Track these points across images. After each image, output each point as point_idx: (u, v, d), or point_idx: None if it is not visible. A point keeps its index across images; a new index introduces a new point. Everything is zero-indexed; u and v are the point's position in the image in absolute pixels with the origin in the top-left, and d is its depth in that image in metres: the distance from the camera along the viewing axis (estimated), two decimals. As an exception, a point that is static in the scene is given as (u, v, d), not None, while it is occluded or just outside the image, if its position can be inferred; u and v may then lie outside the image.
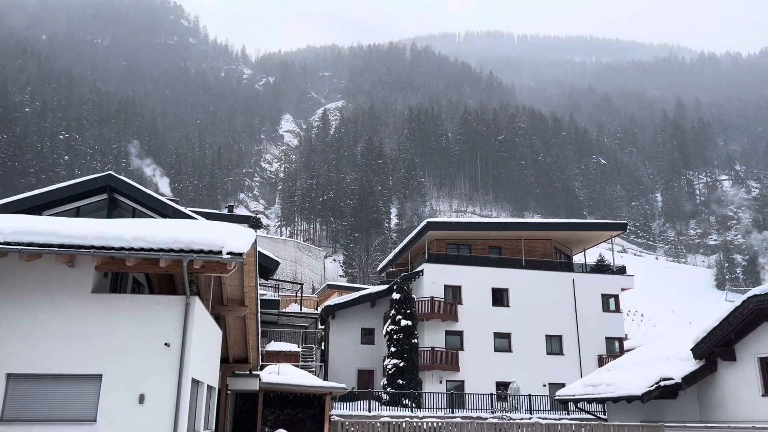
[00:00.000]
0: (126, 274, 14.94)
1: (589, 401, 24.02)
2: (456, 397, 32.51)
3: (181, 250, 11.39)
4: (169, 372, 11.56)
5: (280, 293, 44.66)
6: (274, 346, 30.86)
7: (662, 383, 20.35)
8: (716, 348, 20.15)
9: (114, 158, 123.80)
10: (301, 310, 38.01)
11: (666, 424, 18.63)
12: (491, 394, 32.34)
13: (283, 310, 37.50)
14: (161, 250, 11.34)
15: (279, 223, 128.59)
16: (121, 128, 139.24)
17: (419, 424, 17.22)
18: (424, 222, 41.00)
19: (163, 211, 21.28)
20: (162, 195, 26.88)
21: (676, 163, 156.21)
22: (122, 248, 11.17)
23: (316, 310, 42.19)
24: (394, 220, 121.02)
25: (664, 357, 22.26)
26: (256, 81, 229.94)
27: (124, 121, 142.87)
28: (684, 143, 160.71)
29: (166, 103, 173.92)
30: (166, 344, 11.66)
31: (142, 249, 11.27)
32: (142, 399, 11.35)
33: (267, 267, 23.90)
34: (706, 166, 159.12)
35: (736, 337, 19.85)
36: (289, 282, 51.27)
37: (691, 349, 20.83)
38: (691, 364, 20.78)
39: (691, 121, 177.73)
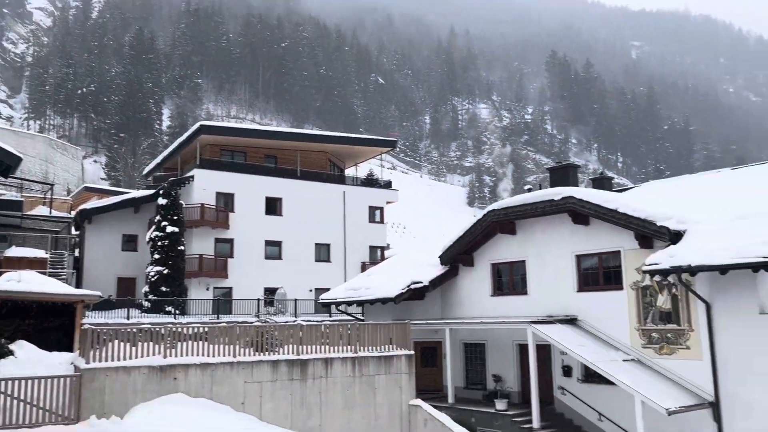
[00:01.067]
0: None
1: (350, 304, 25.78)
2: (223, 303, 32.59)
3: None
4: None
5: (24, 194, 39.60)
6: (15, 251, 27.49)
7: (412, 286, 22.57)
8: (459, 255, 22.78)
9: None
10: (50, 213, 34.20)
11: (412, 322, 20.81)
12: (258, 300, 32.99)
13: (29, 213, 33.41)
14: None
15: (26, 115, 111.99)
16: None
17: (181, 329, 16.86)
18: (197, 125, 39.02)
19: None
20: None
21: (444, 88, 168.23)
22: None
23: (70, 213, 38.35)
24: (166, 122, 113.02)
25: (417, 263, 24.61)
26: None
27: None
28: (453, 70, 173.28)
29: None
30: None
31: None
32: None
33: (6, 163, 20.79)
34: (470, 94, 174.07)
35: (475, 246, 22.59)
36: (36, 182, 45.46)
37: (439, 257, 23.28)
38: (438, 270, 23.28)
39: (461, 50, 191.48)
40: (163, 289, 31.20)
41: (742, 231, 15.30)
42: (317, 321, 24.14)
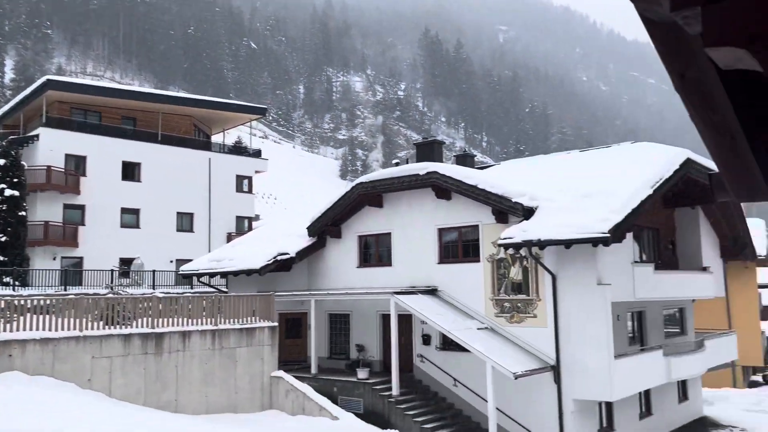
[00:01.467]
0: None
1: (212, 275, 24.88)
2: (72, 274, 30.25)
3: None
4: None
5: None
6: None
7: (278, 257, 22.21)
8: (327, 227, 22.72)
9: None
10: None
11: (278, 293, 20.50)
12: (112, 270, 30.97)
13: None
14: None
15: None
16: None
17: (22, 302, 15.37)
18: (43, 78, 35.48)
19: None
20: None
21: (319, 58, 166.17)
22: None
23: None
24: (9, 75, 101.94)
25: (285, 234, 24.23)
26: None
27: None
28: (328, 41, 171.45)
29: None
30: None
31: None
32: None
33: None
34: (344, 66, 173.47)
35: (343, 217, 22.64)
36: None
37: (307, 228, 23.07)
38: (305, 241, 23.08)
39: (336, 20, 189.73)
40: (0, 258, 28.28)
41: (586, 209, 16.58)
42: (177, 293, 23.12)
